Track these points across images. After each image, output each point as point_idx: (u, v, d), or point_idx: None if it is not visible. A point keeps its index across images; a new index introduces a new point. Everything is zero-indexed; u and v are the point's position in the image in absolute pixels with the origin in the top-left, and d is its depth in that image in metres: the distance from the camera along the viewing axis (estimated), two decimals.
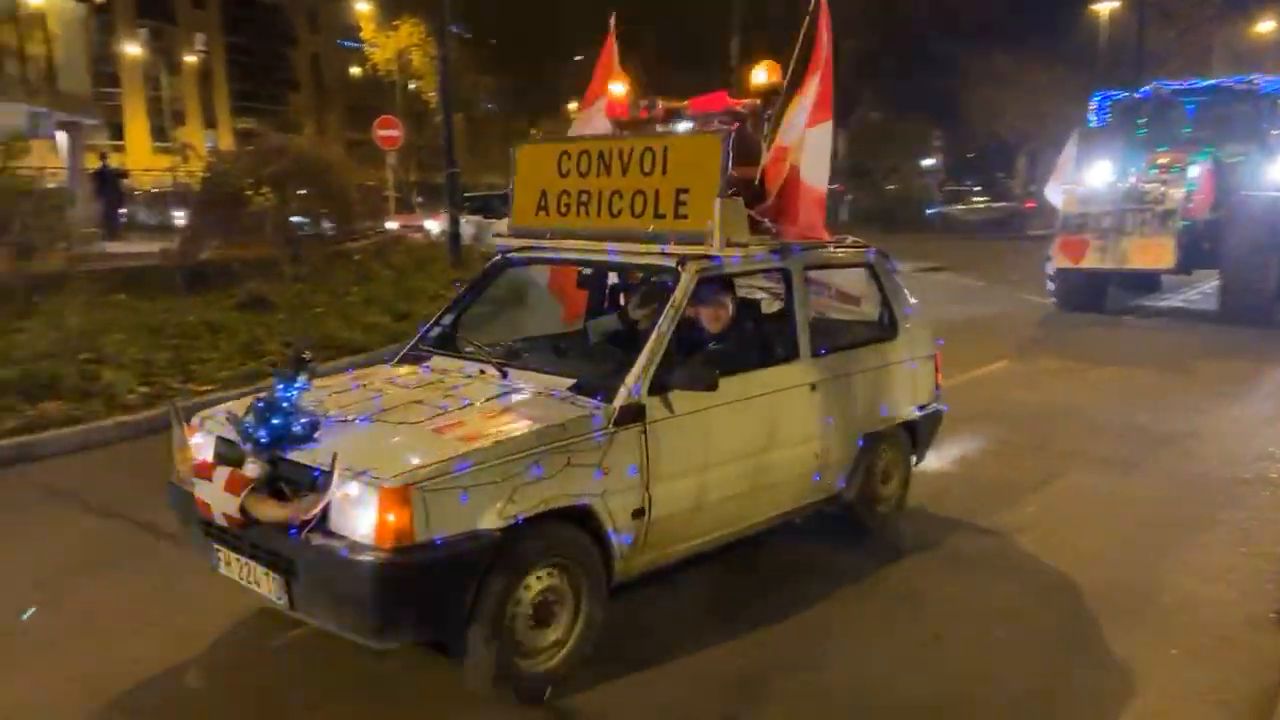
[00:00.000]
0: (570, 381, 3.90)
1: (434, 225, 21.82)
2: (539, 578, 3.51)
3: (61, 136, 27.14)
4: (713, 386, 3.84)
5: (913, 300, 5.24)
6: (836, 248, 4.94)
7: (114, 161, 20.22)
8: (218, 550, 3.66)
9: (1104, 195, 12.52)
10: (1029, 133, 34.04)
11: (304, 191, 13.14)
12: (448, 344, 4.69)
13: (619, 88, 5.42)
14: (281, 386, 3.61)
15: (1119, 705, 3.55)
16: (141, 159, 38.62)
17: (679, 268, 4.09)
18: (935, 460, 6.01)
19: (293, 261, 12.23)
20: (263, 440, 3.48)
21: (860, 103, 35.45)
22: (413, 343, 4.75)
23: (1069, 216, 12.73)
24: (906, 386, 5.11)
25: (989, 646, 3.99)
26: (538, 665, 3.56)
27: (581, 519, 3.59)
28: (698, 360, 4.10)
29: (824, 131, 4.53)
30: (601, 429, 3.64)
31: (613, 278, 5.27)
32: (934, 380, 5.35)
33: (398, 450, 3.38)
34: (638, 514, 3.75)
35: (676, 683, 3.70)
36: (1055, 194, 13.20)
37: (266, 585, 3.48)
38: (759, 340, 4.62)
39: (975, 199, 39.04)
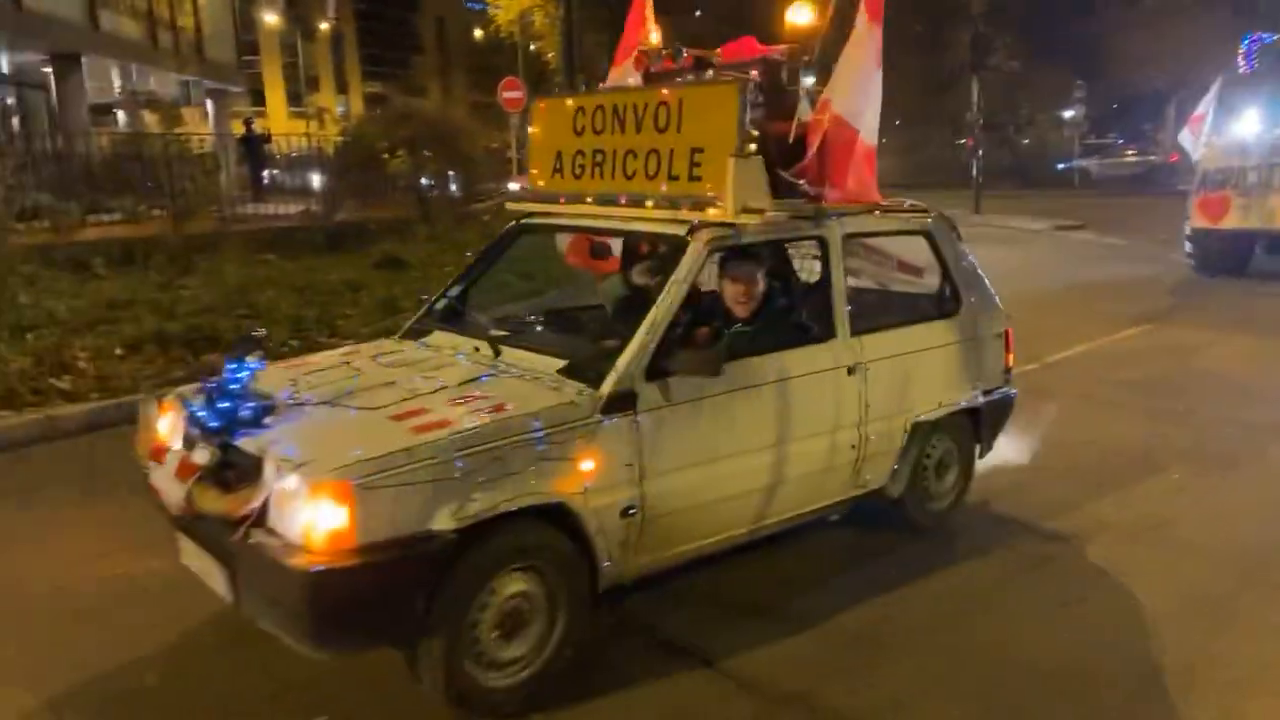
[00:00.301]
0: (561, 363, 3.51)
1: None
2: (506, 583, 3.13)
3: (209, 104, 28.71)
4: (715, 372, 3.43)
5: (978, 271, 4.73)
6: (888, 213, 4.41)
7: (258, 127, 21.33)
8: (179, 537, 3.36)
9: (1250, 148, 11.79)
10: (1181, 79, 32.12)
11: (432, 154, 13.65)
12: (453, 318, 4.31)
13: (654, 36, 4.89)
14: (231, 367, 3.32)
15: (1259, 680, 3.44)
16: (279, 124, 40.47)
17: (688, 237, 3.66)
18: (1073, 428, 5.93)
19: (424, 222, 12.78)
20: (210, 425, 3.20)
21: (993, 51, 34.08)
22: (419, 315, 4.41)
23: (1208, 173, 12.08)
24: (969, 368, 4.59)
25: (1127, 613, 3.90)
26: (507, 679, 3.17)
27: (559, 518, 3.20)
28: (698, 341, 3.75)
29: (875, 81, 4.06)
30: (584, 419, 3.23)
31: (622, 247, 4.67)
32: (1004, 362, 4.80)
33: (343, 440, 3.02)
34: (628, 512, 3.33)
35: (809, 637, 3.68)
36: (1191, 146, 12.52)
37: (216, 580, 3.18)
38: (787, 319, 4.12)
39: (1123, 153, 37.09)
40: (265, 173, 19.09)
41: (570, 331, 4.32)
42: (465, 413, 3.16)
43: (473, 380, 3.48)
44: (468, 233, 13.39)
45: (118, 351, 7.39)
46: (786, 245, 4.39)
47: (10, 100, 21.18)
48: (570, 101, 4.26)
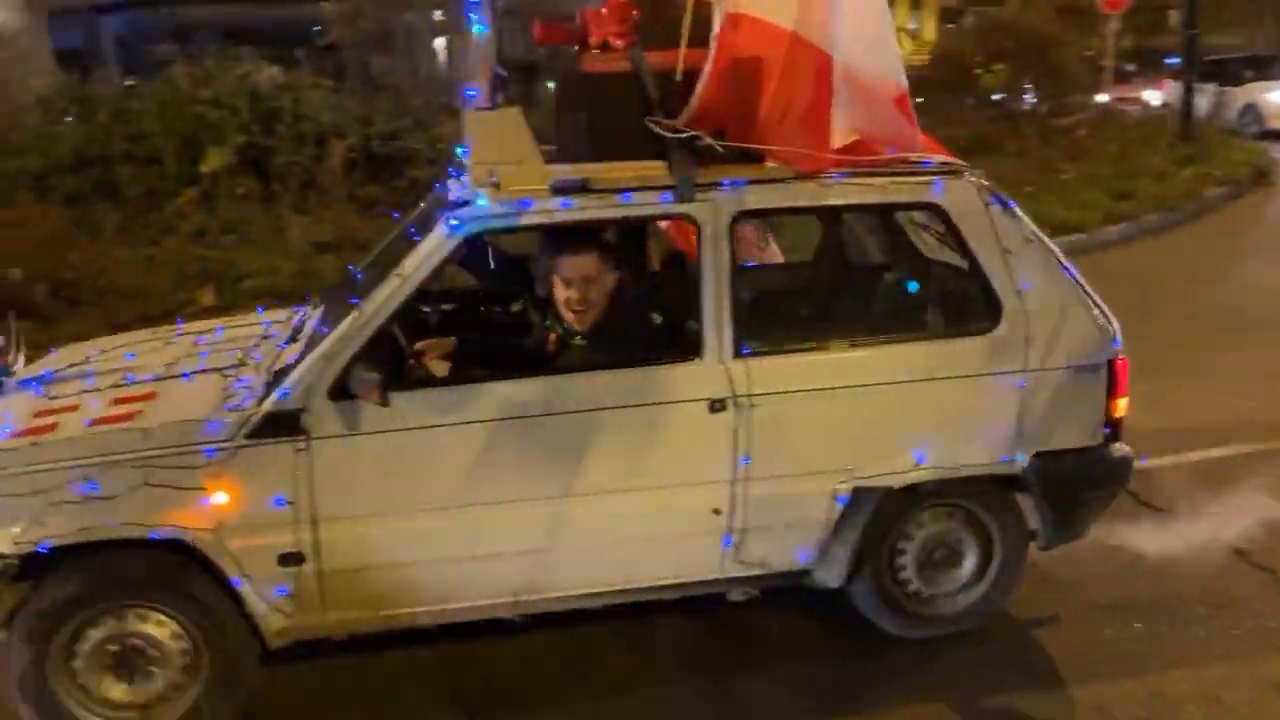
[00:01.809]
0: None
1: (1154, 95, 19.74)
2: (133, 622, 2.78)
3: None
4: (380, 400, 2.66)
5: (1059, 266, 3.18)
6: (860, 177, 3.04)
7: None
8: None
9: None
10: None
11: (1021, 67, 12.94)
12: (348, 285, 3.51)
13: None
14: None
15: None
16: None
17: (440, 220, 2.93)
18: None
19: (1010, 138, 12.25)
20: None
21: None
22: (338, 281, 3.93)
23: None
24: (1006, 414, 3.12)
25: None
26: None
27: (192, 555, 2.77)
28: (423, 355, 3.10)
29: None
30: (219, 442, 2.70)
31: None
32: (1100, 409, 3.20)
33: None
34: (290, 560, 2.79)
35: None
36: None
37: None
38: (629, 329, 3.13)
39: None
40: None
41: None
42: (84, 417, 2.84)
43: (165, 378, 3.09)
44: (1053, 150, 12.56)
45: None
46: (647, 229, 3.44)
47: None
48: None
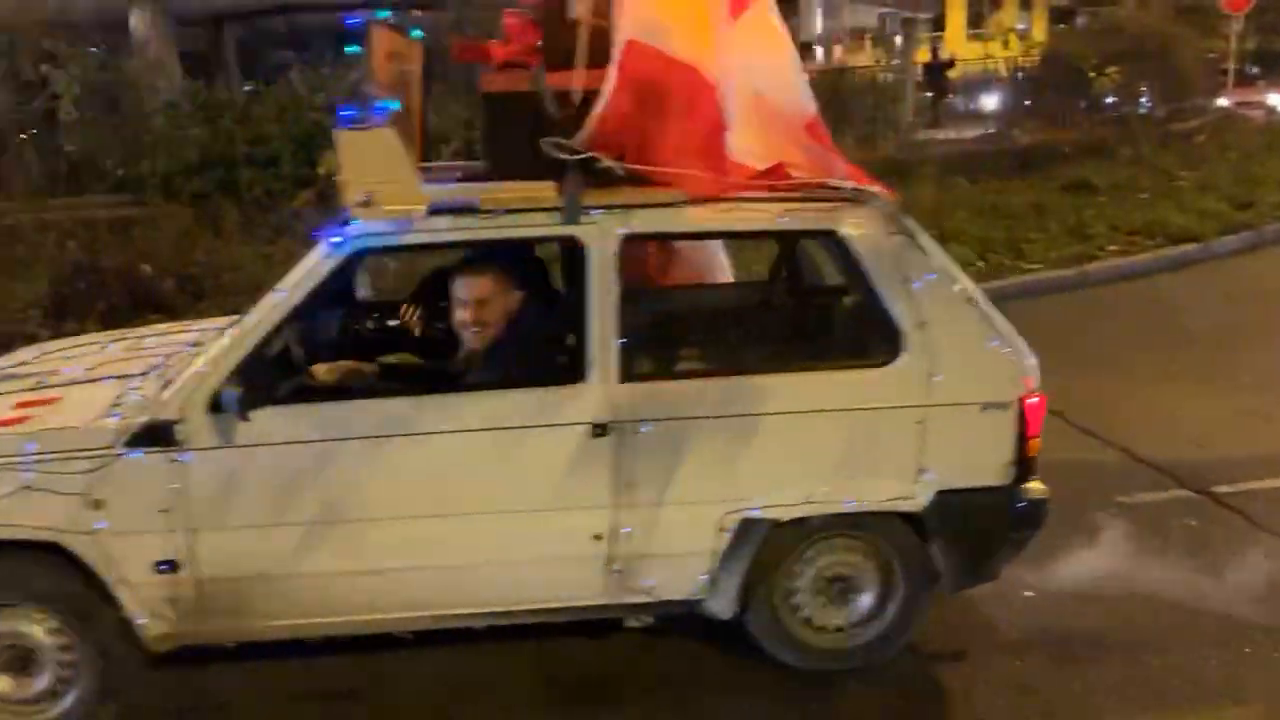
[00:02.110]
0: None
1: (1271, 100, 18.83)
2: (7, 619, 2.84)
3: (900, 35, 29.82)
4: (237, 413, 2.70)
5: (968, 300, 3.01)
6: (754, 203, 3.00)
7: (943, 53, 21.61)
8: None
9: None
10: None
11: (1140, 69, 12.52)
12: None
13: None
14: None
15: None
16: (958, 48, 40.41)
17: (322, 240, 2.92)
18: None
19: (1125, 143, 11.87)
20: None
21: None
22: None
23: None
24: (905, 448, 2.98)
25: None
26: None
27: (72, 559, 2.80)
28: (315, 376, 3.02)
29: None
30: (97, 449, 2.75)
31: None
32: (1006, 449, 3.03)
33: None
34: (165, 567, 2.82)
35: None
36: None
37: None
38: (517, 351, 3.05)
39: None
40: (950, 98, 19.35)
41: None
42: None
43: (81, 382, 3.15)
44: (1169, 155, 12.12)
45: None
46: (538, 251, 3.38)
47: None
48: None
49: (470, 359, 3.14)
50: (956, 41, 44.12)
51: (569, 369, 2.95)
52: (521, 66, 3.06)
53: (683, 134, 2.91)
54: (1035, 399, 3.03)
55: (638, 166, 2.91)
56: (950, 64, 20.05)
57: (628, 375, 2.91)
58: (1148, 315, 7.50)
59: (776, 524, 2.99)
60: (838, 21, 26.81)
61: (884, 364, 2.99)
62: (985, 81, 19.19)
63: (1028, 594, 3.64)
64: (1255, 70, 25.80)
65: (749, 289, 3.83)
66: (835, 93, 15.58)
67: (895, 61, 22.77)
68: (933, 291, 2.99)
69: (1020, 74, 15.42)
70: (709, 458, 2.94)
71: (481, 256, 3.11)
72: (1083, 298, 8.09)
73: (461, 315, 3.07)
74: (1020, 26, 41.41)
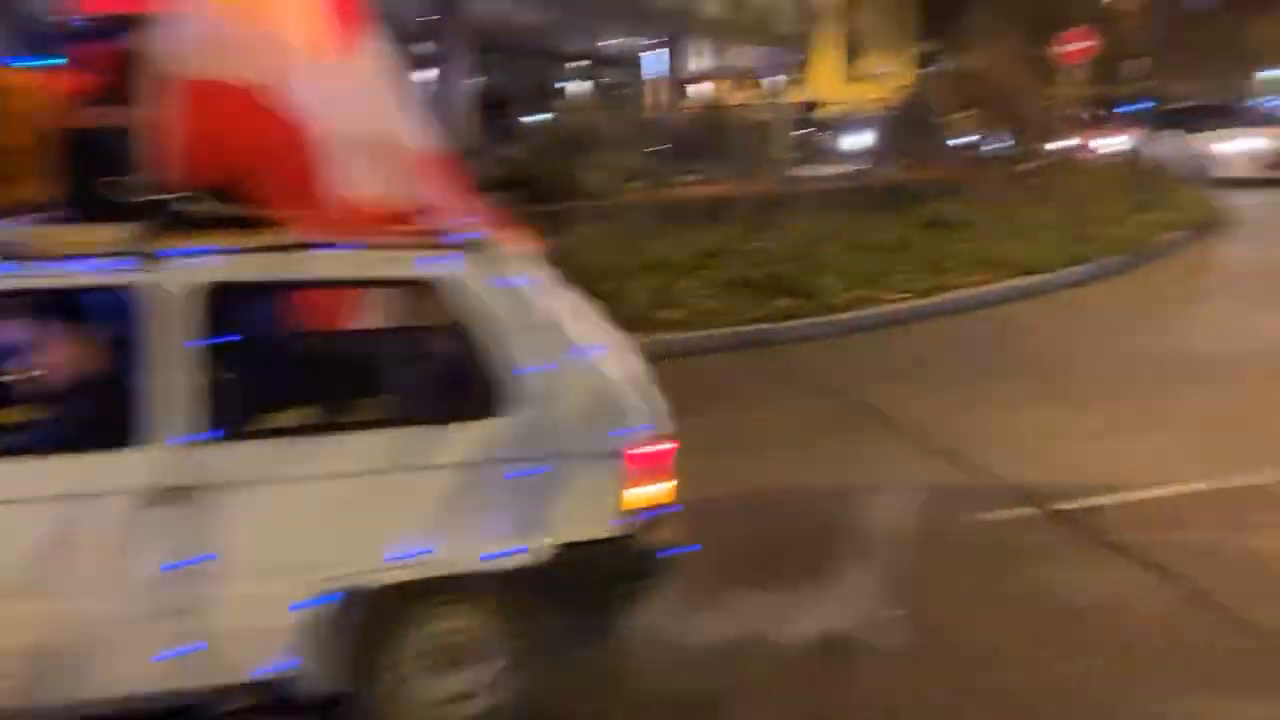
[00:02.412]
0: None
1: (1113, 143, 20.44)
2: None
3: (773, 76, 30.97)
4: None
5: (580, 349, 2.99)
6: (367, 246, 2.85)
7: (808, 95, 22.74)
8: None
9: None
10: None
11: (990, 114, 13.51)
12: None
13: None
14: None
15: None
16: (830, 90, 42.12)
17: None
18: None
19: (975, 183, 12.78)
20: None
21: None
22: None
23: None
24: (503, 505, 2.89)
25: None
26: None
27: None
28: None
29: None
30: None
31: None
32: (609, 502, 2.97)
33: None
34: None
35: None
36: None
37: None
38: (70, 409, 2.83)
39: None
40: (818, 138, 20.33)
41: None
42: None
43: None
44: (1014, 194, 13.09)
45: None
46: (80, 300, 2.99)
47: (606, 80, 25.08)
48: None
49: (13, 419, 2.85)
50: (829, 84, 46.16)
51: (125, 429, 2.64)
52: (103, 100, 2.87)
53: (283, 172, 2.78)
54: (647, 448, 2.96)
55: (228, 208, 2.73)
56: (813, 106, 21.17)
57: (198, 435, 2.66)
58: (999, 342, 8.17)
59: (371, 591, 2.81)
60: (719, 61, 27.82)
61: (478, 418, 2.88)
62: (859, 122, 20.25)
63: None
64: (1095, 116, 27.88)
65: (353, 339, 3.58)
66: (717, 129, 16.28)
67: (769, 103, 23.84)
68: (535, 341, 2.90)
69: (888, 115, 16.44)
70: (289, 523, 2.73)
71: (34, 305, 2.86)
72: (941, 325, 8.76)
73: (6, 369, 2.83)
74: (881, 70, 43.51)
